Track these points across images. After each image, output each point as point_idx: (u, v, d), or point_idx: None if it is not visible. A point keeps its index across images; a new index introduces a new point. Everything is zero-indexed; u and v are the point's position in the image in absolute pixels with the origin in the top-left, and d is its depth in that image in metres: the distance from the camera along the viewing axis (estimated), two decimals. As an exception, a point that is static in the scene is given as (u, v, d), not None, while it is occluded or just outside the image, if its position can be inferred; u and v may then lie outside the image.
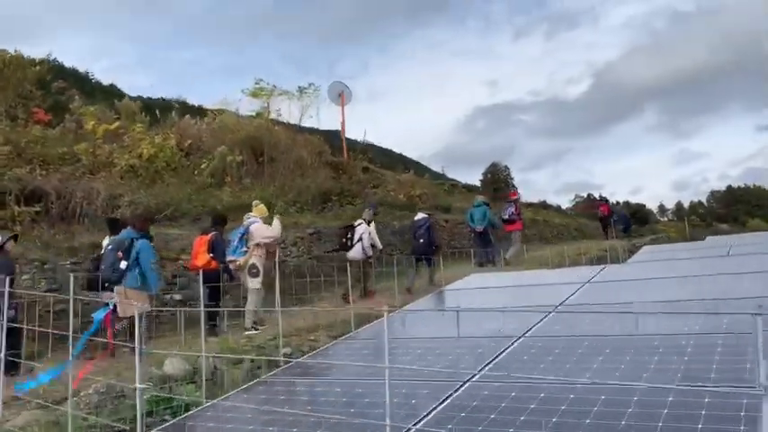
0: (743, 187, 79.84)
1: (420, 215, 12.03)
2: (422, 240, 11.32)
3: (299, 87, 17.79)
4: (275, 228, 9.09)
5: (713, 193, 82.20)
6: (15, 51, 17.39)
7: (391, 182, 18.60)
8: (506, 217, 14.06)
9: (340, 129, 20.34)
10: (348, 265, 9.80)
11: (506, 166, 48.00)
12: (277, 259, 8.50)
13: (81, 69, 34.07)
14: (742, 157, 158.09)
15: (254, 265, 8.60)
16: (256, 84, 17.39)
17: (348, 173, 18.50)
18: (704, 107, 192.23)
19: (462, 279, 8.52)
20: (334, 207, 15.55)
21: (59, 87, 21.98)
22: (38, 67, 18.42)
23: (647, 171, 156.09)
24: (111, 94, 27.77)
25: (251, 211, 9.21)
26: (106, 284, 7.53)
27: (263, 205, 9.52)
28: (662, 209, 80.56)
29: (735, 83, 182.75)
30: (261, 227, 8.89)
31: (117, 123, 15.18)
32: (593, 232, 23.99)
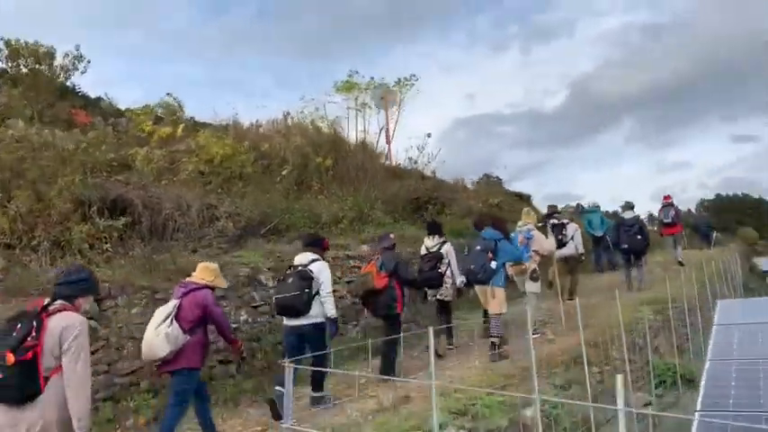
0: (731, 196, 79.75)
1: (630, 214, 12.14)
2: (639, 237, 11.62)
3: (399, 79, 15.35)
4: (552, 241, 9.84)
5: (702, 202, 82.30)
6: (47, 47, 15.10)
7: (468, 190, 16.77)
8: (669, 220, 14.15)
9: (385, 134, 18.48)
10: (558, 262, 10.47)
11: (498, 177, 46.77)
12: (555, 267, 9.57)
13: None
14: (719, 166, 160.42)
15: (535, 270, 8.84)
16: (349, 76, 15.07)
17: (408, 180, 16.65)
18: (681, 118, 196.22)
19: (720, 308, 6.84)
20: (427, 216, 13.65)
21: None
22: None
23: (628, 181, 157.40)
24: (100, 107, 25.40)
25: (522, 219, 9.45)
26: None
27: (533, 213, 9.84)
28: (651, 217, 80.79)
29: (710, 93, 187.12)
30: (541, 237, 9.28)
31: (182, 125, 13.08)
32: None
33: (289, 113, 15.35)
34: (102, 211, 9.03)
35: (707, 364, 5.29)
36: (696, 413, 4.33)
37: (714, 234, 21.57)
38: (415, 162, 17.81)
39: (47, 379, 3.72)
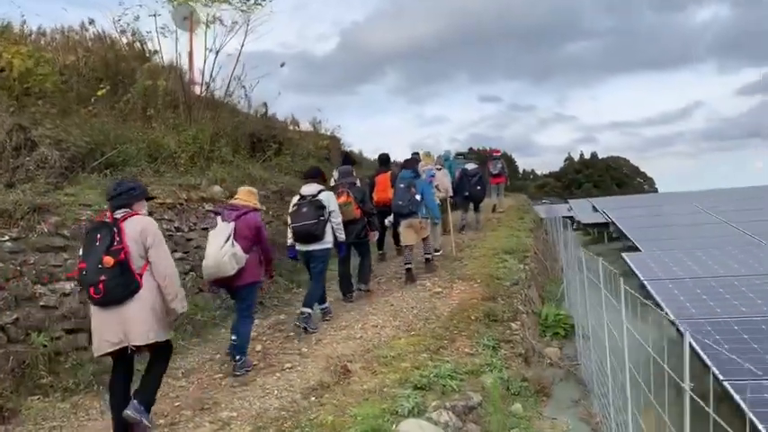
0: (480, 150, 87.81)
1: (472, 165, 13.26)
2: (478, 188, 12.87)
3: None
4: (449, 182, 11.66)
5: (458, 155, 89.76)
6: None
7: (297, 131, 15.53)
8: (497, 171, 15.47)
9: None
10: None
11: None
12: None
13: None
14: (468, 123, 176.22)
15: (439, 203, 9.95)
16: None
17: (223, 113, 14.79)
18: (438, 74, 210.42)
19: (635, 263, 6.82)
20: (270, 157, 12.26)
21: None
22: None
23: (390, 131, 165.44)
24: None
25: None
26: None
27: (432, 155, 11.80)
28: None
29: (464, 55, 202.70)
30: (442, 176, 11.13)
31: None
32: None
33: (93, 21, 12.50)
34: None
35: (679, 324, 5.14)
36: (725, 382, 4.06)
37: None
38: (230, 94, 15.87)
39: (140, 276, 4.22)
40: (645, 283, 6.01)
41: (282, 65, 14.24)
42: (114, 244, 4.12)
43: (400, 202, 8.60)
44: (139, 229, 4.26)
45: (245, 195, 6.07)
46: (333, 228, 7.01)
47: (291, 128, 15.38)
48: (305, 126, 16.66)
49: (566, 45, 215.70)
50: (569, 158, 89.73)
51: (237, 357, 5.70)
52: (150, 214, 7.64)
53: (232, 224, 5.69)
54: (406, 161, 9.44)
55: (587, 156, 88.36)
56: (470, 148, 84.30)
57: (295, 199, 7.16)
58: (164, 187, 8.35)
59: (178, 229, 8.06)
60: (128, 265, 4.13)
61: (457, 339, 6.31)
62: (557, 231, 14.00)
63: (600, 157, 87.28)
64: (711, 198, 16.55)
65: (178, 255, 7.70)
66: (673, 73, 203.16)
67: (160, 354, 4.46)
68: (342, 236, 7.14)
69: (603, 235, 20.76)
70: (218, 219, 5.92)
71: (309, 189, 7.11)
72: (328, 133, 17.16)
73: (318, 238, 6.84)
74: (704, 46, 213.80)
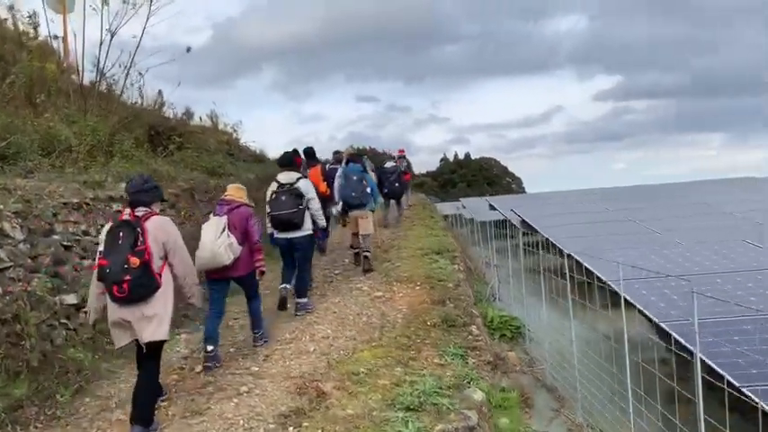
0: (362, 148, 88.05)
1: (390, 163, 13.75)
2: (397, 184, 13.31)
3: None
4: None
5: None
6: None
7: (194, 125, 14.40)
8: (403, 170, 15.15)
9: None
10: None
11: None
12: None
13: None
14: (346, 121, 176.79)
15: None
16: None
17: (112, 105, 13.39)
18: (316, 73, 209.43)
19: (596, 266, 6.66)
20: (173, 152, 11.15)
21: None
22: None
23: (269, 128, 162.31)
24: None
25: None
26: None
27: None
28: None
29: (340, 54, 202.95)
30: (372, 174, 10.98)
31: None
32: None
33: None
34: None
35: (664, 326, 5.01)
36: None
37: None
38: (123, 83, 14.39)
39: (159, 275, 4.31)
40: (612, 284, 5.85)
41: (189, 49, 12.91)
42: (138, 244, 4.16)
43: (353, 194, 8.86)
44: (160, 229, 4.36)
45: (235, 191, 6.22)
46: (312, 214, 7.12)
47: (184, 120, 14.19)
48: (203, 120, 15.55)
49: (438, 48, 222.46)
50: (445, 159, 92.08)
51: (255, 330, 6.26)
52: (55, 216, 6.71)
53: (225, 217, 5.84)
54: (352, 156, 9.63)
55: (461, 156, 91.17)
56: (351, 146, 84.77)
57: (273, 186, 7.18)
58: (67, 185, 7.22)
59: (86, 233, 6.97)
60: (150, 265, 4.20)
61: (422, 349, 5.84)
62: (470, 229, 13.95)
63: (473, 157, 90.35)
64: (600, 197, 17.24)
65: (87, 262, 6.67)
66: (536, 78, 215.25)
67: (156, 353, 4.45)
68: (322, 222, 7.35)
69: (501, 233, 21.11)
70: (211, 215, 6.10)
71: (287, 177, 7.16)
72: (228, 128, 16.13)
73: (298, 226, 6.98)
74: (564, 54, 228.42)
